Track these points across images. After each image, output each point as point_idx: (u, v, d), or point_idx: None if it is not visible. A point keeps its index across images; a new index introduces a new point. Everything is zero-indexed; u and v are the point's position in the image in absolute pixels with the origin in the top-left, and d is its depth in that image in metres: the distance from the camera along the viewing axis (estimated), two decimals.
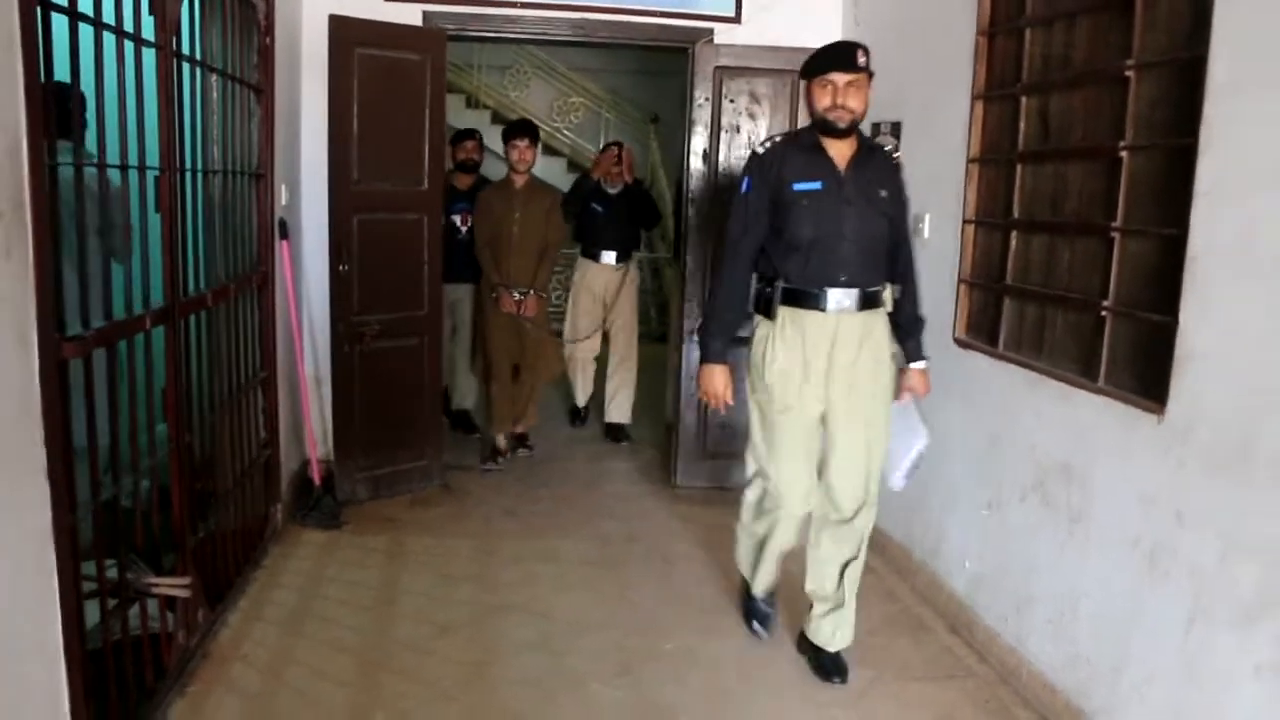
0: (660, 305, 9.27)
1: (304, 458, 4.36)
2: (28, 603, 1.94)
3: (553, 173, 9.82)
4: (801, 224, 2.81)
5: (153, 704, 2.56)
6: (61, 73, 2.05)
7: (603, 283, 5.67)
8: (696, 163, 4.60)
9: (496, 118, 10.33)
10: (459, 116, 9.24)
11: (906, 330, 3.01)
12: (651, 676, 2.99)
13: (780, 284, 2.86)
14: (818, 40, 4.48)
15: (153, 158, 2.59)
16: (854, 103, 2.77)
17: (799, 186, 2.82)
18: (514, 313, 4.93)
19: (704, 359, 3.02)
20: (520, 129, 5.08)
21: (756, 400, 3.00)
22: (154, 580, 2.60)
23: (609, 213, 5.61)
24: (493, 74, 10.67)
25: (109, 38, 2.32)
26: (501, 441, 5.15)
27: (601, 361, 5.84)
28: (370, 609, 3.36)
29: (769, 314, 2.91)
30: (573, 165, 10.53)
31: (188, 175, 2.90)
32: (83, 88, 2.21)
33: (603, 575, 3.75)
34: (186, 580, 2.67)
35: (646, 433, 5.83)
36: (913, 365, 3.02)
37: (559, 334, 5.75)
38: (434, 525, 4.19)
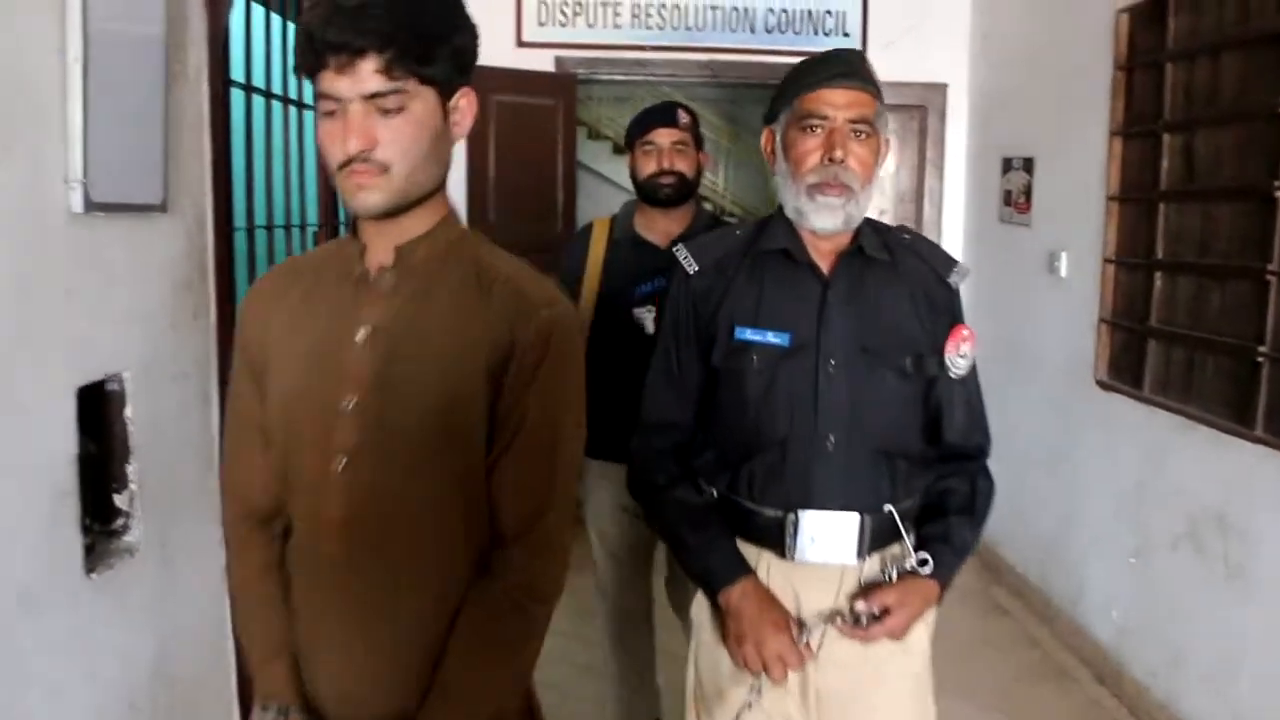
0: None
1: None
2: (208, 646, 2.08)
3: None
4: None
5: None
6: (236, 143, 2.21)
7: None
8: None
9: (618, 149, 9.80)
10: (579, 150, 9.12)
11: None
12: None
13: None
14: (945, 75, 4.53)
15: (311, 213, 2.77)
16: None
17: None
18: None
19: None
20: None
21: None
22: None
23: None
24: (612, 105, 10.61)
25: (274, 105, 2.49)
26: None
27: None
28: None
29: None
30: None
31: (342, 228, 3.06)
32: (254, 154, 2.38)
33: None
34: None
35: None
36: None
37: None
38: (574, 559, 4.22)
